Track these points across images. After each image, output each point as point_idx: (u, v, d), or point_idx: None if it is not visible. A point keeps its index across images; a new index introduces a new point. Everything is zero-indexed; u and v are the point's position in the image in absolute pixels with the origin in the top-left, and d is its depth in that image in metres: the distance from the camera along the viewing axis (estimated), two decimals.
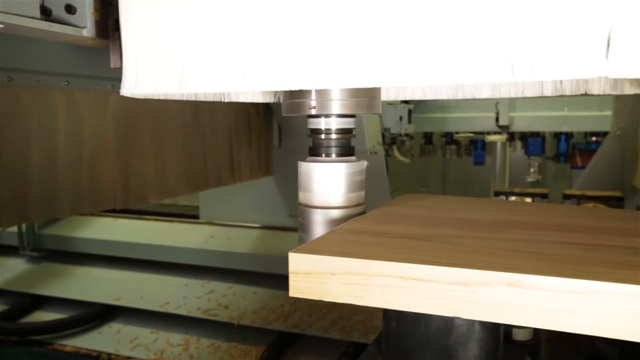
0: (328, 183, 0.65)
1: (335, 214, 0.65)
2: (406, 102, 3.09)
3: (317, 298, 0.49)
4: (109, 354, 2.08)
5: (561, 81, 0.72)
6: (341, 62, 0.50)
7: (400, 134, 3.08)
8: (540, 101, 3.11)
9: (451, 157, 3.67)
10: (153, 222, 2.82)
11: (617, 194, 1.76)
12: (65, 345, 2.17)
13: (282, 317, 2.08)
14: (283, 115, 0.67)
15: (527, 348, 0.57)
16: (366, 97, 0.63)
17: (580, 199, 1.70)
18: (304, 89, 0.53)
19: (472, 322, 0.48)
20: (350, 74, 0.50)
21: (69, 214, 1.44)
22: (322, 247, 0.50)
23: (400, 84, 0.49)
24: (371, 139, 2.19)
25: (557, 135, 3.37)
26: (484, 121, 3.25)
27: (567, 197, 1.72)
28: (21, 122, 1.30)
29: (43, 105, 1.35)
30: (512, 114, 3.19)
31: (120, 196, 1.54)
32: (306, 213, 0.67)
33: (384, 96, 0.82)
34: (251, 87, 0.54)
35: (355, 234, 0.55)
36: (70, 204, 1.41)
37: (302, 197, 0.67)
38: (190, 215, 2.90)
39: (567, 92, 0.72)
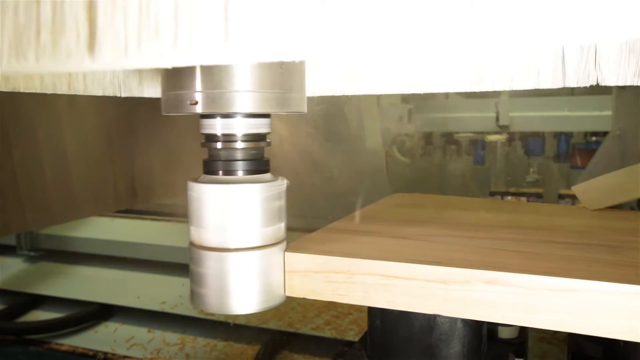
0: (230, 213, 0.44)
1: (242, 258, 0.44)
2: (406, 101, 3.09)
3: (300, 296, 0.49)
4: (105, 353, 2.08)
5: (564, 67, 0.53)
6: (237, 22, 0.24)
7: (400, 134, 3.08)
8: (540, 101, 3.10)
9: (451, 157, 3.66)
10: (150, 221, 2.82)
11: None
12: (61, 345, 2.17)
13: (277, 316, 2.08)
14: (163, 114, 0.45)
15: (513, 346, 0.57)
16: (277, 87, 0.41)
17: (576, 198, 1.70)
18: (169, 67, 0.29)
19: (454, 320, 0.48)
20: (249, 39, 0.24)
21: (90, 214, 1.45)
22: (306, 246, 0.50)
23: (338, 53, 0.26)
24: (371, 139, 2.18)
25: (557, 135, 3.37)
26: (484, 121, 3.24)
27: (562, 197, 1.72)
28: (27, 124, 1.30)
29: (45, 107, 1.35)
30: (512, 114, 3.18)
31: (126, 196, 1.55)
32: (199, 257, 0.45)
33: (329, 89, 0.60)
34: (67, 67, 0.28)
35: (340, 233, 0.55)
36: (90, 205, 1.42)
37: (194, 233, 0.45)
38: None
39: (572, 83, 0.53)
